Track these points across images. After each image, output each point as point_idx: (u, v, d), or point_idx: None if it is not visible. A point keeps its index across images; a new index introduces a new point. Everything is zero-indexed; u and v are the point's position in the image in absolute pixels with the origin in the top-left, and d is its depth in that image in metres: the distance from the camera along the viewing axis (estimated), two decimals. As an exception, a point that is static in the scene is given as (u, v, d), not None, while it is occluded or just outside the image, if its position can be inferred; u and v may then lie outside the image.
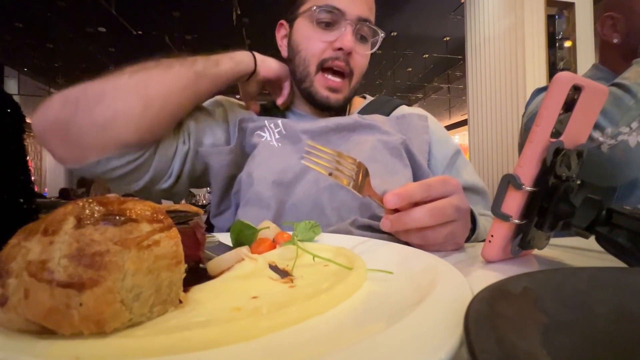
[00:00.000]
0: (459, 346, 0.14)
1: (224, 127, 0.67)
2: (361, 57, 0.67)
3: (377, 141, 0.60)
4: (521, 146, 0.99)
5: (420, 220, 0.36)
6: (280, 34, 0.72)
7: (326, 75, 0.64)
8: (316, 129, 0.61)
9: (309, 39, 0.64)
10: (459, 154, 0.71)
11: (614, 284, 0.19)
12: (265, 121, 0.63)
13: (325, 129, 0.62)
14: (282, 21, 0.71)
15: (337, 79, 0.65)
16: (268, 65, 0.66)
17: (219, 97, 0.70)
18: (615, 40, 0.88)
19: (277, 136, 0.62)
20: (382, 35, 0.67)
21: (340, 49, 0.62)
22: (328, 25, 0.63)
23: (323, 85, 0.65)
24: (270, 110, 0.74)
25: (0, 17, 4.66)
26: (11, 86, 6.47)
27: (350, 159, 0.38)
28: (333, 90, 0.65)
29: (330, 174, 0.37)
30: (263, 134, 0.62)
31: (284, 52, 0.71)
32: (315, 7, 0.62)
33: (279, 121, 0.63)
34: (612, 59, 0.91)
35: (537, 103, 0.92)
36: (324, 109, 0.67)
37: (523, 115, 0.99)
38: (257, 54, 0.64)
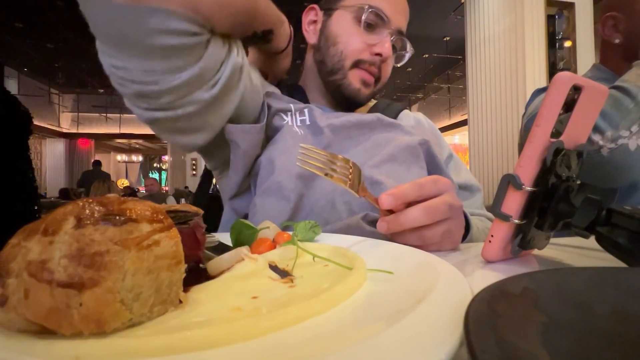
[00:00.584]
0: (459, 346, 0.14)
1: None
2: (389, 66, 0.68)
3: (398, 141, 0.60)
4: (521, 146, 0.99)
5: (416, 219, 0.36)
6: (309, 17, 0.70)
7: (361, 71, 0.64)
8: (338, 124, 0.61)
9: (351, 35, 0.64)
10: (452, 156, 0.71)
11: (614, 284, 0.19)
12: (292, 106, 0.61)
13: (348, 124, 0.61)
14: (314, 6, 0.69)
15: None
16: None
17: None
18: (616, 41, 0.88)
19: (298, 123, 0.61)
20: (411, 51, 0.69)
21: (378, 54, 0.63)
22: (369, 27, 0.63)
23: (358, 79, 0.64)
24: (293, 91, 0.71)
25: (0, 17, 4.66)
26: (11, 86, 6.46)
27: (344, 160, 0.38)
28: (366, 84, 0.65)
29: (326, 174, 0.37)
30: (285, 117, 0.61)
31: (312, 38, 0.69)
32: (367, 7, 0.62)
33: (305, 110, 0.62)
34: (613, 60, 0.91)
35: (537, 103, 0.92)
36: (350, 102, 0.67)
37: (523, 116, 0.99)
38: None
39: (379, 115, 0.64)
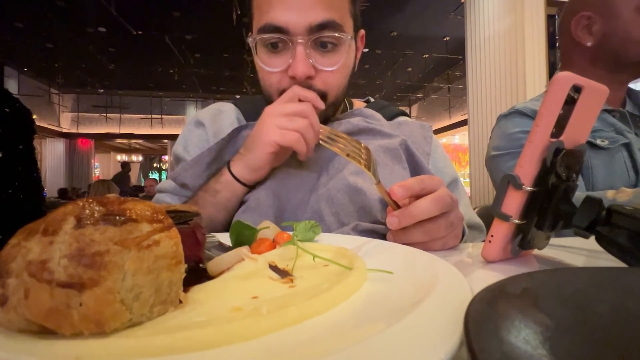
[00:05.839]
0: (458, 346, 0.14)
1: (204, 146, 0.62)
2: (331, 74, 0.54)
3: (378, 146, 0.58)
4: (495, 182, 0.88)
5: (427, 209, 0.37)
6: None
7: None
8: None
9: (261, 69, 0.56)
10: (455, 183, 0.64)
11: (613, 284, 0.19)
12: None
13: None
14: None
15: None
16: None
17: (199, 116, 0.67)
18: (588, 44, 0.82)
19: None
20: (348, 37, 0.54)
21: (293, 77, 0.53)
22: (276, 48, 0.53)
23: None
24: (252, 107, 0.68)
25: (0, 17, 4.66)
26: (11, 86, 6.45)
27: (362, 145, 0.39)
28: None
29: (347, 155, 0.38)
30: None
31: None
32: (259, 29, 0.52)
33: None
34: (578, 63, 0.85)
35: (500, 134, 0.84)
36: None
37: (490, 140, 0.88)
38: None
39: (353, 121, 0.60)
